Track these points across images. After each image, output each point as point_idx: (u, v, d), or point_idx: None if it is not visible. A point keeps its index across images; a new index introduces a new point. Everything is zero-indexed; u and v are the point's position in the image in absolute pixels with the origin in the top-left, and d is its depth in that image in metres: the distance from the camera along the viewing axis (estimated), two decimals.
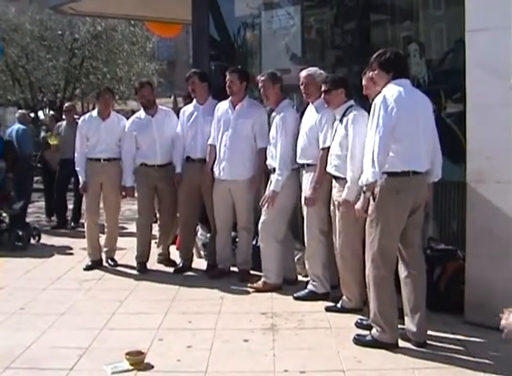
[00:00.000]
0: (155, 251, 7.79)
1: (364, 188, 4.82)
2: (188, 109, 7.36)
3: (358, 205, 4.96)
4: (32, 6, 21.36)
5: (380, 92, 4.81)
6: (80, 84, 22.53)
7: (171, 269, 7.47)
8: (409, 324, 4.91)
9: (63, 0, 10.13)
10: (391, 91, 4.72)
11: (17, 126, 10.80)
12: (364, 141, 5.02)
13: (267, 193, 6.38)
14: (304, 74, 6.16)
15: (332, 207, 5.77)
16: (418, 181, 4.81)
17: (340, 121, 5.64)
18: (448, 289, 5.59)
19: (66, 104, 11.78)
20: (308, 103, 6.21)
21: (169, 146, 7.36)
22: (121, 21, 20.45)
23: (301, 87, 6.15)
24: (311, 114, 6.11)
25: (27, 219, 9.87)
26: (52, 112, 21.34)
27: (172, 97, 22.13)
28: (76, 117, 11.21)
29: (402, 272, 4.95)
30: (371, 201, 4.81)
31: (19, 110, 15.11)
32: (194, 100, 7.32)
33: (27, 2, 22.69)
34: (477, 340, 4.98)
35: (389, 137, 4.64)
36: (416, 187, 4.80)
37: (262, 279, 6.54)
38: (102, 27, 21.44)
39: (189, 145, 7.20)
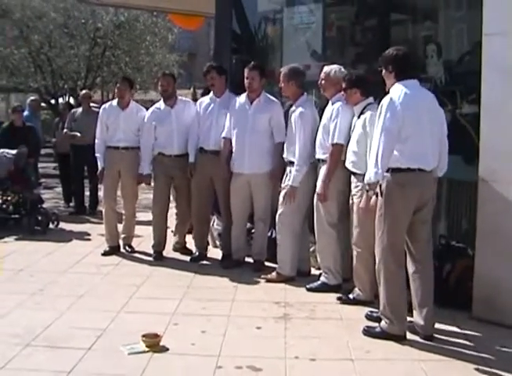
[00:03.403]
0: (172, 239, 7.92)
1: (367, 187, 4.94)
2: (205, 100, 7.45)
3: (361, 204, 5.05)
4: None
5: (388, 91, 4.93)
6: (101, 72, 22.65)
7: (186, 258, 7.59)
8: (417, 318, 5.03)
9: None
10: (397, 93, 4.83)
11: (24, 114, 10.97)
12: None
13: (285, 188, 6.48)
14: (323, 69, 6.29)
15: (351, 201, 5.85)
16: (424, 178, 4.90)
17: (358, 117, 5.77)
18: (456, 286, 5.69)
19: (83, 91, 11.80)
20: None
21: (186, 136, 7.46)
22: (144, 12, 20.51)
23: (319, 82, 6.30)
24: (327, 110, 6.23)
25: (46, 205, 10.01)
26: (71, 99, 21.51)
27: (191, 88, 22.23)
28: (93, 105, 11.34)
29: (410, 268, 5.05)
30: (379, 197, 4.91)
31: (31, 97, 15.20)
32: (211, 92, 7.41)
33: None
34: (484, 335, 5.09)
35: (393, 141, 4.76)
36: (421, 183, 4.90)
37: (276, 270, 6.65)
38: (125, 17, 21.52)
39: (203, 136, 7.29)
